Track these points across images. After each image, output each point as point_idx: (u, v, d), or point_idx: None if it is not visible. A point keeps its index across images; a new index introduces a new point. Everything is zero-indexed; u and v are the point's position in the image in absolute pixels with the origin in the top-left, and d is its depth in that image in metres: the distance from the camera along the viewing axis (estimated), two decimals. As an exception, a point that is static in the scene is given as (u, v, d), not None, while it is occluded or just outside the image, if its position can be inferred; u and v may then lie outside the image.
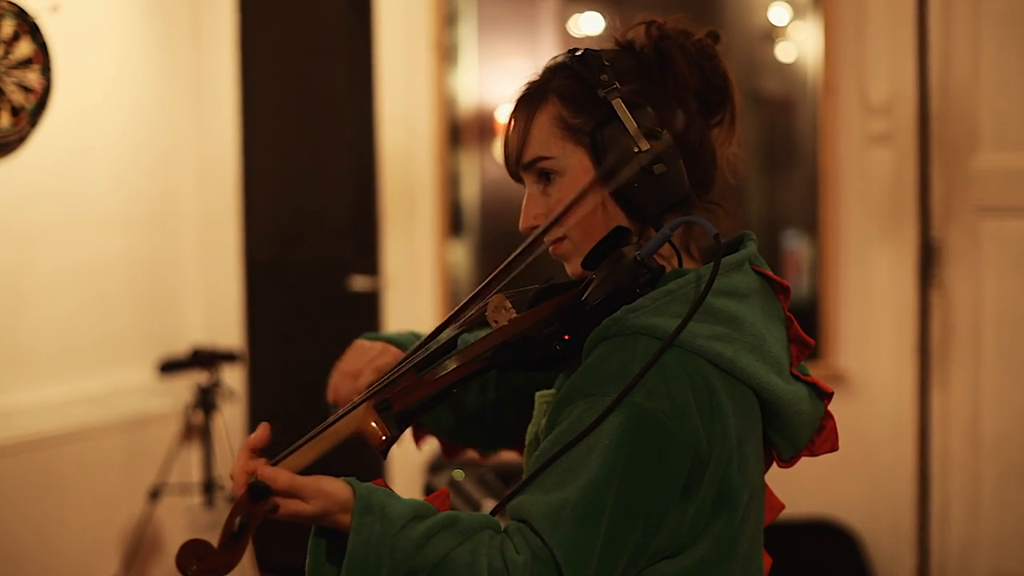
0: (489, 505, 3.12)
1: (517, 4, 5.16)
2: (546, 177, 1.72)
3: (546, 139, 1.70)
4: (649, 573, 1.56)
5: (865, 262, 4.74)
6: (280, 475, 1.50)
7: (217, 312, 5.29)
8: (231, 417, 5.05)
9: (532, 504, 1.49)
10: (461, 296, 5.06)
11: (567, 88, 1.71)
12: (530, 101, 1.74)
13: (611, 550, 1.48)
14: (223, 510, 4.95)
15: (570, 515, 1.45)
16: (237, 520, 1.53)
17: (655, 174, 1.64)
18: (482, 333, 1.74)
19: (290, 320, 5.38)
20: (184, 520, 4.94)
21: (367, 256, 5.17)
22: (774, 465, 1.77)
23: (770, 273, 1.71)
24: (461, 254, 5.16)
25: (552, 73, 1.75)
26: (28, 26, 4.00)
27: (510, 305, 1.67)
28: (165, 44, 5.05)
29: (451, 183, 5.10)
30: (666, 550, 1.55)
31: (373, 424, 1.58)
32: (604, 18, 5.08)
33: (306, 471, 1.56)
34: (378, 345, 1.99)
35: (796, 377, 1.69)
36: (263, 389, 5.34)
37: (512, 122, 1.76)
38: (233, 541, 1.53)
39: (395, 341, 2.01)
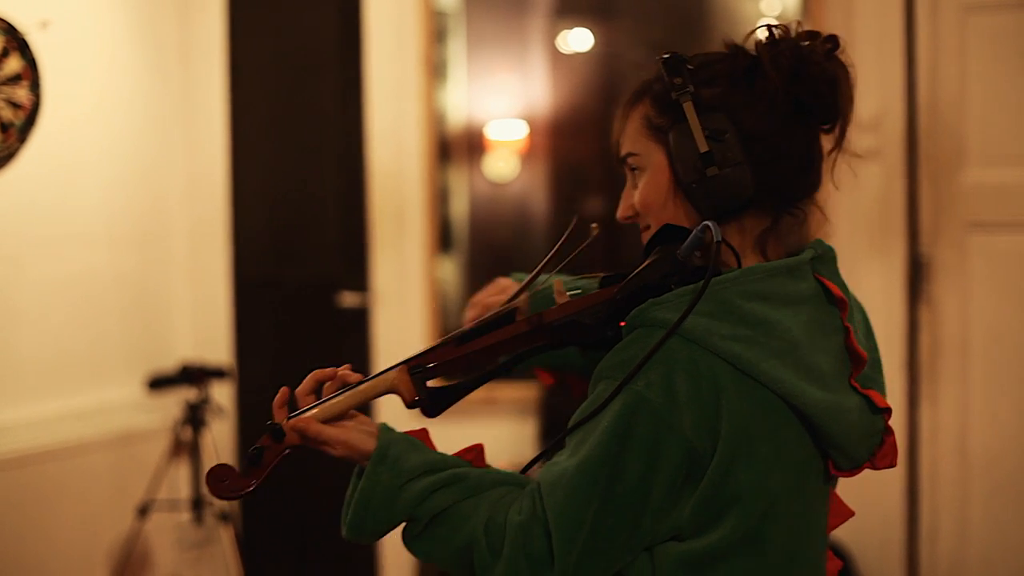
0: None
1: (506, 20, 5.17)
2: (634, 172, 1.81)
3: (635, 136, 1.79)
4: (659, 550, 1.64)
5: (854, 277, 4.72)
6: (309, 426, 1.73)
7: (206, 328, 5.28)
8: (220, 433, 5.04)
9: (545, 469, 1.64)
10: (451, 312, 5.06)
11: (658, 90, 1.77)
12: (632, 99, 1.83)
13: (602, 525, 1.58)
14: (212, 527, 4.95)
15: (565, 485, 1.59)
16: (253, 449, 1.74)
17: (708, 176, 1.70)
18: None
19: (279, 337, 5.37)
20: (173, 536, 4.93)
21: (356, 272, 5.17)
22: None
23: (827, 282, 1.74)
24: (450, 270, 5.16)
25: (654, 75, 1.82)
26: (17, 42, 4.00)
27: (564, 290, 1.80)
28: (154, 60, 5.06)
29: (440, 199, 5.10)
30: (671, 532, 1.63)
31: (405, 384, 1.75)
32: (593, 34, 5.10)
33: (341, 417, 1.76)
34: (503, 282, 2.17)
35: (855, 389, 1.71)
36: (252, 405, 5.33)
37: (617, 117, 1.86)
38: (248, 467, 1.74)
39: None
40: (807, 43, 1.75)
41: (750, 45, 1.78)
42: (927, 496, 4.48)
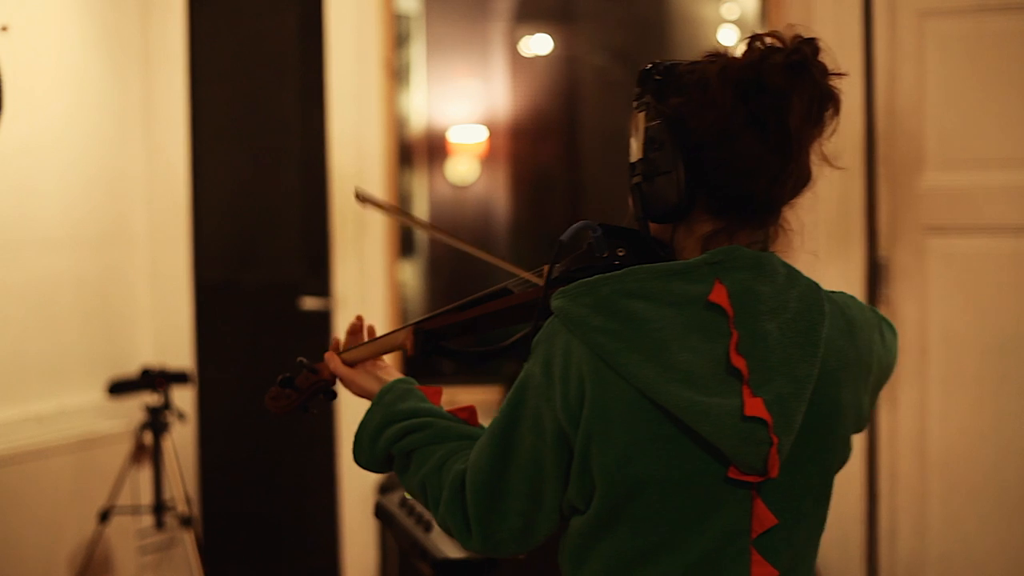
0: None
1: (467, 25, 5.18)
2: None
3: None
4: (571, 522, 1.80)
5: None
6: (331, 360, 2.17)
7: (167, 333, 5.27)
8: (181, 438, 5.03)
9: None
10: (411, 316, 5.07)
11: None
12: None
13: (504, 486, 1.77)
14: (173, 531, 4.94)
15: (479, 444, 1.82)
16: (282, 376, 2.24)
17: (634, 184, 1.81)
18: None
19: (241, 341, 5.36)
20: (134, 541, 4.91)
21: (318, 277, 5.17)
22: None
23: (719, 288, 1.73)
24: (411, 274, 5.16)
25: None
26: (-24, 46, 3.98)
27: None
28: (115, 65, 5.04)
29: (402, 203, 5.11)
30: (571, 504, 1.77)
31: (409, 341, 2.07)
32: (553, 38, 5.11)
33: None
34: None
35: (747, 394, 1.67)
36: (213, 410, 5.32)
37: None
38: (279, 387, 2.26)
39: None
40: (772, 54, 1.78)
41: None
42: (886, 496, 4.51)
